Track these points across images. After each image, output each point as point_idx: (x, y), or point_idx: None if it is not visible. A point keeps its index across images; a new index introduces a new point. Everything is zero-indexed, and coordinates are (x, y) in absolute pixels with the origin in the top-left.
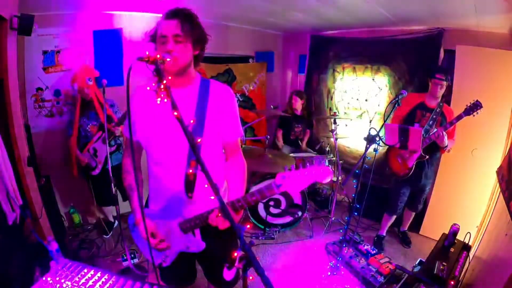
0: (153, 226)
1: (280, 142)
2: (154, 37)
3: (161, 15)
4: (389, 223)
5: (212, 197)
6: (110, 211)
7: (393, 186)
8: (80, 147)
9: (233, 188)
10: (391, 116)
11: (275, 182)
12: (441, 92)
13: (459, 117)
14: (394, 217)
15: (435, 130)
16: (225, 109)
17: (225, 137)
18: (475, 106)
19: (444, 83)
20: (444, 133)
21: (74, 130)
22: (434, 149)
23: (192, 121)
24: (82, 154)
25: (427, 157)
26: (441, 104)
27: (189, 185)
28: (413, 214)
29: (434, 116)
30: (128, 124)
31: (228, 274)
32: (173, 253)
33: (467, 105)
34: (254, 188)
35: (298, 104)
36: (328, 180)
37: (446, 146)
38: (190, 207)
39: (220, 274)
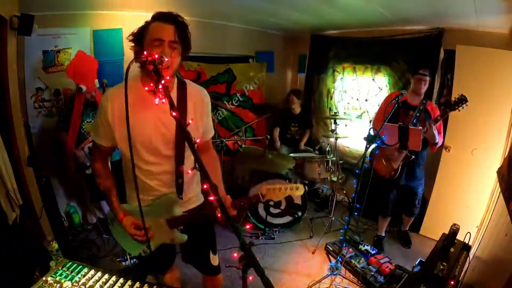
0: (137, 221)
1: (277, 142)
2: (141, 37)
3: None
4: (385, 224)
5: (211, 198)
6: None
7: (381, 189)
8: (75, 144)
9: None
10: (387, 116)
11: (261, 192)
12: (424, 88)
13: (444, 113)
14: (389, 218)
15: (420, 128)
16: (202, 109)
17: (201, 136)
18: (460, 101)
19: (428, 78)
20: (434, 126)
21: (70, 126)
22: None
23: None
24: (77, 151)
25: (413, 157)
26: (424, 101)
27: (179, 186)
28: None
29: (418, 114)
30: (127, 125)
31: (214, 260)
32: (155, 245)
33: (452, 100)
34: (254, 189)
35: (296, 104)
36: (300, 193)
37: (437, 143)
38: (179, 206)
39: (207, 261)
